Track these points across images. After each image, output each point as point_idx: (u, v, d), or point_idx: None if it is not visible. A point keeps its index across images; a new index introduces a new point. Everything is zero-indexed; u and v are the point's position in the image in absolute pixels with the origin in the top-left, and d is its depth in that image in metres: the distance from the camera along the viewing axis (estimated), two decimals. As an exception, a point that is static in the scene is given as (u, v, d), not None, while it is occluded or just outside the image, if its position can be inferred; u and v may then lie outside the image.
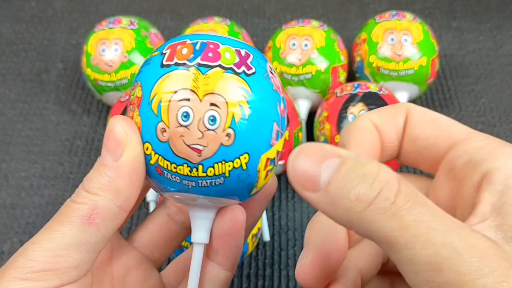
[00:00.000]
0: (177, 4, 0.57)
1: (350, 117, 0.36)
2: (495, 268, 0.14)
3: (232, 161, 0.17)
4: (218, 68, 0.17)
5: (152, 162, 0.18)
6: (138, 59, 0.42)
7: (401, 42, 0.41)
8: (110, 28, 0.43)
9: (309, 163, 0.15)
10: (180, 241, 0.24)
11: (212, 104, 0.17)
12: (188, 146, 0.17)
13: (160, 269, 0.24)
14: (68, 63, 0.51)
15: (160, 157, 0.18)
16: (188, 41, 0.18)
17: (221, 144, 0.17)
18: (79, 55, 0.51)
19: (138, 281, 0.22)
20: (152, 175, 0.18)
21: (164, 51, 0.18)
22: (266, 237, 0.37)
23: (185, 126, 0.17)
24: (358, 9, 0.56)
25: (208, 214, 0.20)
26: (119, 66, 0.41)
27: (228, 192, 0.18)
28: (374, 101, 0.37)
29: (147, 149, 0.18)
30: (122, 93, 0.41)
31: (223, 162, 0.17)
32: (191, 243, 0.31)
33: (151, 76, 0.18)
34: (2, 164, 0.43)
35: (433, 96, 0.47)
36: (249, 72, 0.18)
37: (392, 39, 0.41)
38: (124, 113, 0.36)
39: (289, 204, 0.39)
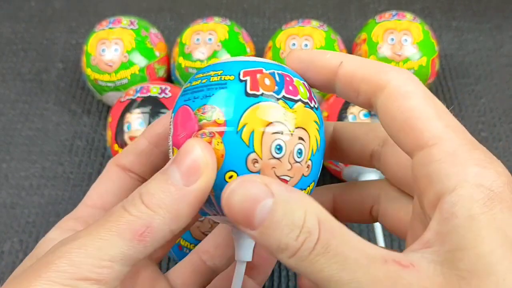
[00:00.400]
0: (177, 4, 0.57)
1: (350, 117, 0.36)
2: None
3: (305, 189, 0.19)
4: (300, 103, 0.18)
5: None
6: (138, 59, 0.42)
7: (401, 42, 0.41)
8: (110, 28, 0.43)
9: (244, 203, 0.16)
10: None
11: (300, 138, 0.18)
12: (278, 177, 0.18)
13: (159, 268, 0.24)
14: (68, 63, 0.51)
15: None
16: (264, 71, 0.18)
17: (302, 175, 0.19)
18: (79, 55, 0.51)
19: (149, 283, 0.22)
20: None
21: (242, 78, 0.18)
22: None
23: (278, 158, 0.18)
24: (358, 9, 0.56)
25: None
26: (119, 66, 0.41)
27: None
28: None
29: (230, 177, 0.18)
30: (122, 93, 0.41)
31: None
32: (190, 243, 0.31)
33: (235, 104, 0.18)
34: (2, 164, 0.43)
35: (433, 96, 0.47)
36: (316, 105, 0.19)
37: (392, 39, 0.41)
38: (123, 114, 0.36)
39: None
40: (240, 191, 0.16)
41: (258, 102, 0.18)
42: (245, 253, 0.20)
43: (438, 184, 0.16)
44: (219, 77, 0.18)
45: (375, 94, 0.18)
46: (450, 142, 0.16)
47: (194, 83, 0.19)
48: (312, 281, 0.16)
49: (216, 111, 0.18)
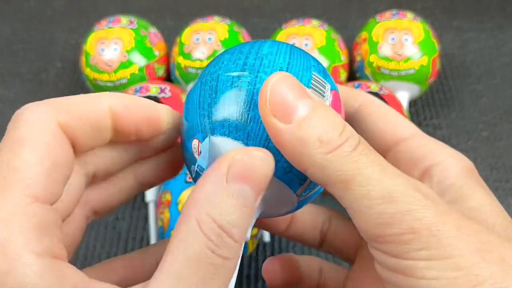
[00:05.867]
0: (176, 3, 0.57)
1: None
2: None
3: None
4: None
5: None
6: (137, 59, 0.41)
7: (402, 42, 0.41)
8: (110, 27, 0.42)
9: (289, 93, 0.16)
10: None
11: None
12: None
13: None
14: (67, 63, 0.50)
15: None
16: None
17: None
18: (78, 55, 0.50)
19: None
20: None
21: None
22: (266, 238, 0.37)
23: None
24: (358, 8, 0.56)
25: None
26: (118, 65, 0.41)
27: None
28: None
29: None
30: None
31: None
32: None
33: None
34: (0, 164, 0.42)
35: (434, 96, 0.47)
36: None
37: (393, 39, 0.41)
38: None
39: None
40: (287, 81, 0.16)
41: None
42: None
43: (423, 161, 0.19)
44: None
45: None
46: (423, 136, 0.20)
47: None
48: (339, 180, 0.16)
49: None
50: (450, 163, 0.19)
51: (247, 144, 0.17)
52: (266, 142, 0.17)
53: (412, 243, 0.15)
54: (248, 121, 0.17)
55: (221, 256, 0.15)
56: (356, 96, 0.22)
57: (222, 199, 0.15)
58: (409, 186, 0.16)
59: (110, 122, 0.18)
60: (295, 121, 0.16)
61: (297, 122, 0.16)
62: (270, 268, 0.24)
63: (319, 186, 0.19)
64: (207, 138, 0.18)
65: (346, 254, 0.25)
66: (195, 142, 0.18)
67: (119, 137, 0.19)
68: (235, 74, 0.18)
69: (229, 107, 0.17)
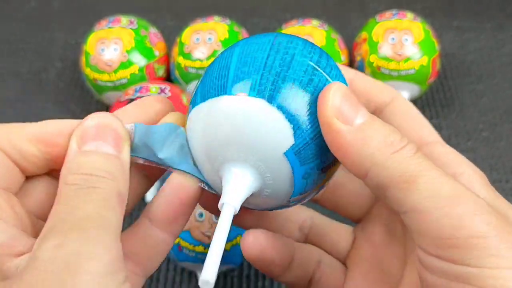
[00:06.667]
0: (176, 3, 0.57)
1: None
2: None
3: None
4: None
5: None
6: (137, 59, 0.41)
7: (402, 42, 0.41)
8: (109, 27, 0.42)
9: (348, 103, 0.17)
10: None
11: None
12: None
13: None
14: (67, 63, 0.50)
15: None
16: None
17: None
18: (78, 55, 0.50)
19: None
20: None
21: None
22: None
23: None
24: (358, 8, 0.56)
25: None
26: (118, 65, 0.41)
27: None
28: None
29: None
30: (121, 93, 0.41)
31: None
32: (190, 243, 0.31)
33: None
34: (0, 164, 0.42)
35: (434, 96, 0.47)
36: None
37: (393, 39, 0.41)
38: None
39: (289, 205, 0.39)
40: (345, 94, 0.17)
41: None
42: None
43: (449, 169, 0.19)
44: None
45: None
46: (444, 145, 0.21)
47: None
48: (402, 180, 0.16)
49: None
50: (474, 174, 0.19)
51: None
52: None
53: (480, 248, 0.14)
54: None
55: (90, 187, 0.16)
56: (387, 90, 0.23)
57: (79, 159, 0.17)
58: (470, 191, 0.16)
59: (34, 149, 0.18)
60: (356, 124, 0.17)
61: (359, 124, 0.17)
62: (251, 239, 0.22)
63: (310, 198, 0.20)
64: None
65: (333, 255, 0.24)
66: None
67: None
68: (311, 63, 0.18)
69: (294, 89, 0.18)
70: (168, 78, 0.45)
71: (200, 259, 0.31)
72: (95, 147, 0.17)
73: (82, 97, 0.47)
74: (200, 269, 0.32)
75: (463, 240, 0.15)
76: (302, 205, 0.25)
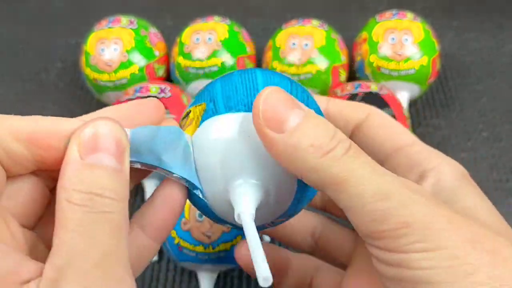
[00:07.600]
0: (176, 3, 0.57)
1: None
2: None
3: None
4: None
5: None
6: (137, 59, 0.41)
7: (402, 42, 0.41)
8: (110, 27, 0.42)
9: (281, 104, 0.17)
10: None
11: None
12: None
13: None
14: (67, 63, 0.50)
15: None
16: None
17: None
18: (78, 55, 0.50)
19: None
20: None
21: None
22: (267, 237, 0.37)
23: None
24: (358, 8, 0.56)
25: None
26: (118, 65, 0.41)
27: None
28: (374, 101, 0.37)
29: None
30: (121, 93, 0.41)
31: None
32: (190, 243, 0.31)
33: None
34: (0, 164, 0.42)
35: (434, 96, 0.47)
36: None
37: (393, 39, 0.41)
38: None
39: (289, 205, 0.39)
40: (278, 94, 0.17)
41: None
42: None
43: (420, 166, 0.21)
44: None
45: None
46: (420, 144, 0.22)
47: None
48: (333, 182, 0.16)
49: None
50: (445, 167, 0.20)
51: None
52: None
53: (406, 237, 0.16)
54: None
55: (102, 211, 0.16)
56: (361, 108, 0.23)
57: (83, 173, 0.16)
58: (398, 184, 0.17)
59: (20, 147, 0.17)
60: (287, 130, 0.16)
61: (290, 131, 0.16)
62: (243, 251, 0.25)
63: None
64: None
65: (339, 259, 0.25)
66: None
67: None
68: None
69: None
70: (168, 78, 0.45)
71: (200, 259, 0.31)
72: (99, 160, 0.16)
73: (82, 97, 0.47)
74: (200, 269, 0.32)
75: (389, 232, 0.16)
76: (313, 211, 0.26)
